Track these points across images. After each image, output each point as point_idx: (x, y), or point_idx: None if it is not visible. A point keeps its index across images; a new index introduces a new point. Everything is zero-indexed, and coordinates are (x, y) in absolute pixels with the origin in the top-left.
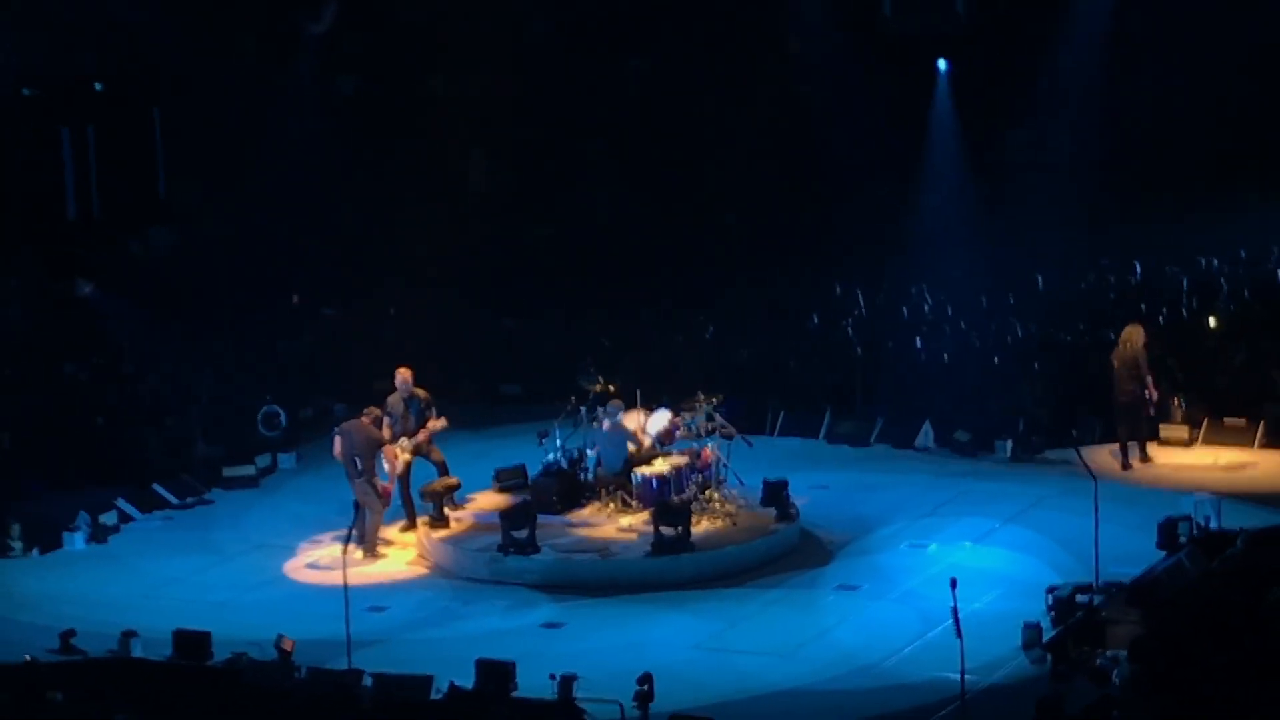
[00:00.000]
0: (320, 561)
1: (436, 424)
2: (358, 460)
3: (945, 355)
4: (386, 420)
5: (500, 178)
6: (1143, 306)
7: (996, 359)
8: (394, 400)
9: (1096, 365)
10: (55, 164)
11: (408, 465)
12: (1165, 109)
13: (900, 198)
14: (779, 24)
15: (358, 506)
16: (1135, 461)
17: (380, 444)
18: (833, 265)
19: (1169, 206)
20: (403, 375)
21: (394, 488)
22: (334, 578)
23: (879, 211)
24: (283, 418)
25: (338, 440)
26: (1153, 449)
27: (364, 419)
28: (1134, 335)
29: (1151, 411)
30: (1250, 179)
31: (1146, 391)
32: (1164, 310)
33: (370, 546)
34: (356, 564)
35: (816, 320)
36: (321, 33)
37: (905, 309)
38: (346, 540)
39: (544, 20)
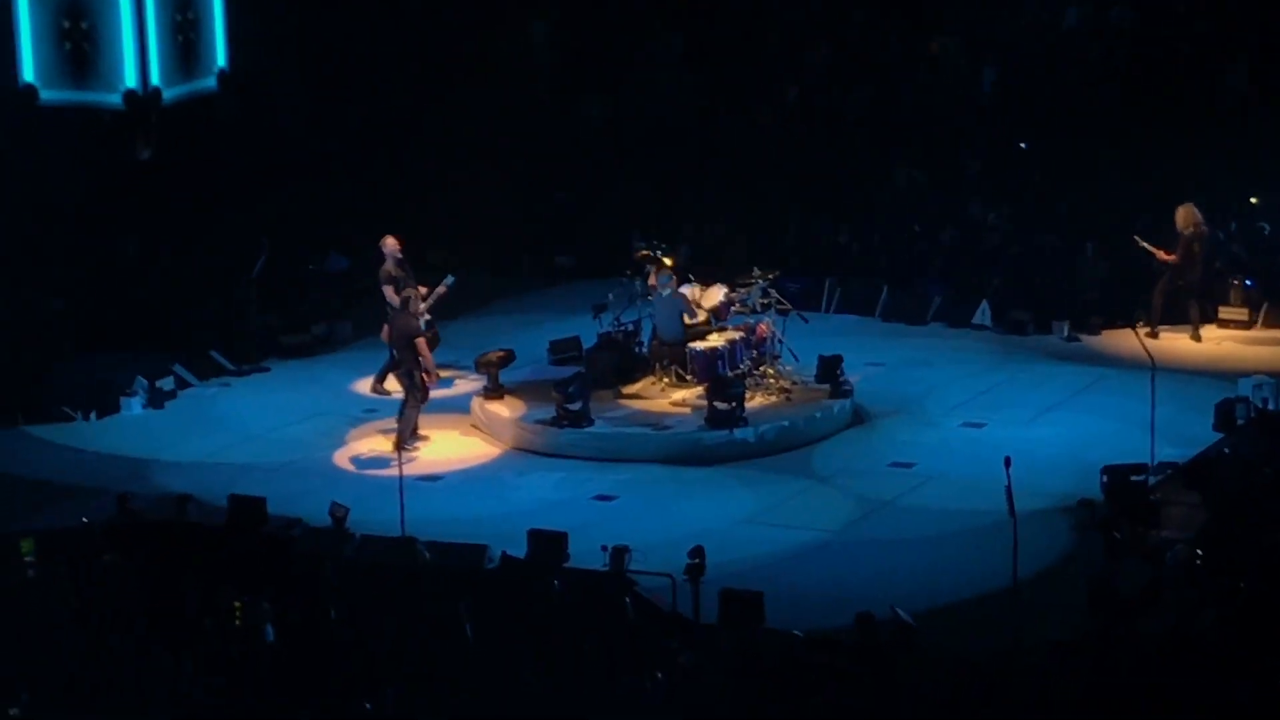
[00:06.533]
0: (362, 454)
1: (441, 289)
2: (393, 351)
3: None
4: (417, 291)
5: (561, 51)
6: None
7: (1055, 238)
8: (393, 269)
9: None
10: None
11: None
12: None
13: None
14: None
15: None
16: (1189, 338)
17: (415, 334)
18: (890, 144)
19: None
20: (391, 244)
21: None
22: (388, 448)
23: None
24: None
25: (385, 327)
26: (1212, 330)
27: (408, 310)
28: (1193, 212)
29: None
30: None
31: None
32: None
33: (401, 438)
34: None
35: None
36: None
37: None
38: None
39: None
